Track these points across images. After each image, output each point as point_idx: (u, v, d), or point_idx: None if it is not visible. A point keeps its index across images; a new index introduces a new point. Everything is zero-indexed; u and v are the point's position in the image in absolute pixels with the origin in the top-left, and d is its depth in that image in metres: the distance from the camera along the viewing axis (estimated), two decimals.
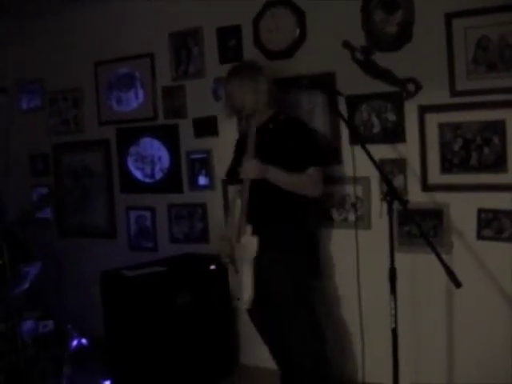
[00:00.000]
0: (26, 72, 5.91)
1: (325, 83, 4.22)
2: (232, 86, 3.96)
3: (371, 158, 3.29)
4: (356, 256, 3.82)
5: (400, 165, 4.11)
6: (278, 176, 3.71)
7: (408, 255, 4.02)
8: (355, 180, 3.94)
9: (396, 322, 3.26)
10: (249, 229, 3.73)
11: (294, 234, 3.83)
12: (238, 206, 3.83)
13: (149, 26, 5.14)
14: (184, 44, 4.97)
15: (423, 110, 4.01)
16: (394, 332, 3.27)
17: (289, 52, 4.47)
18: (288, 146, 3.77)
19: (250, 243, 3.72)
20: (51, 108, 5.88)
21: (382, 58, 4.12)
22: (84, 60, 5.56)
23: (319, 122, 4.38)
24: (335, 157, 4.31)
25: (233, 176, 4.08)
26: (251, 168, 3.72)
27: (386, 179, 3.34)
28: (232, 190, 4.45)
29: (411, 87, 4.03)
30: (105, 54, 5.43)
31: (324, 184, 3.83)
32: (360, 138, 3.94)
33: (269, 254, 3.70)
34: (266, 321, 4.03)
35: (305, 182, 3.76)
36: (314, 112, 4.40)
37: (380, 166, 3.65)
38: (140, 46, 5.21)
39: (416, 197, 4.02)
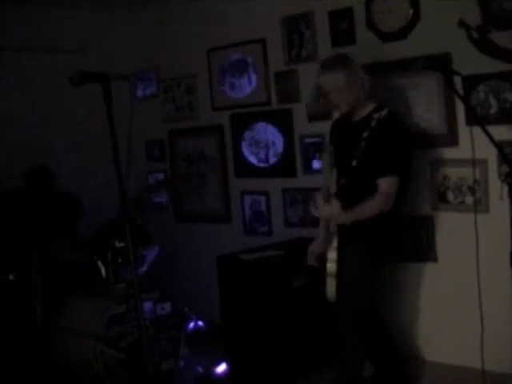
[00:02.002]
0: (141, 60, 6.04)
1: (441, 64, 4.12)
2: (327, 81, 3.82)
3: (491, 139, 3.19)
4: (476, 240, 3.72)
5: None
6: (347, 218, 3.72)
7: None
8: (474, 162, 3.83)
9: None
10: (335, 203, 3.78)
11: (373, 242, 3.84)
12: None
13: (260, 11, 5.16)
14: (296, 28, 4.97)
15: None
16: None
17: (402, 33, 4.39)
18: (377, 151, 3.70)
19: (335, 205, 3.75)
20: (166, 95, 6.00)
21: (499, 37, 3.99)
22: (197, 47, 5.65)
23: (427, 105, 4.33)
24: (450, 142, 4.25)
25: None
26: (327, 212, 3.81)
27: (507, 160, 3.25)
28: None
29: None
30: (217, 40, 5.50)
31: (395, 197, 3.71)
32: (478, 118, 3.84)
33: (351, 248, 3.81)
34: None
35: (372, 208, 3.70)
36: (421, 95, 4.34)
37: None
38: (252, 32, 5.25)
39: None
